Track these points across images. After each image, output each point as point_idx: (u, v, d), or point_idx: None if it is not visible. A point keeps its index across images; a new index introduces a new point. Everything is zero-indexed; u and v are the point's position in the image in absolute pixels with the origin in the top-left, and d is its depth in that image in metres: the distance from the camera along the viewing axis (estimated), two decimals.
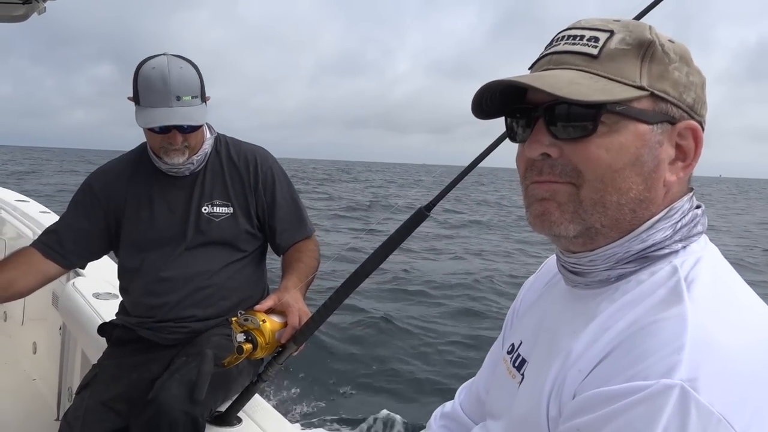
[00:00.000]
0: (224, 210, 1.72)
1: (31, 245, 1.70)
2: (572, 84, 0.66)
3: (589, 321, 0.69)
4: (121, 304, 1.80)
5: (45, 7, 2.34)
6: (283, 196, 1.79)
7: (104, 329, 1.78)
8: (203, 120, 1.66)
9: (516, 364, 0.83)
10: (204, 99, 1.67)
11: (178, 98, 1.58)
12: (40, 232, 1.76)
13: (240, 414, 1.55)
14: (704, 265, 0.67)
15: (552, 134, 0.69)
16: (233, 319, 1.37)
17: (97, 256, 1.80)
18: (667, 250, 0.69)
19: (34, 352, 2.93)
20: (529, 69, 0.77)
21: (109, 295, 2.22)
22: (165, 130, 1.61)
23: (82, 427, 1.53)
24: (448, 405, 1.09)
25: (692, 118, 0.69)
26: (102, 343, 1.79)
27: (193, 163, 1.70)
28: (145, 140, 1.74)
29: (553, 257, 0.92)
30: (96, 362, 1.75)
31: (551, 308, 0.83)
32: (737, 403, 0.54)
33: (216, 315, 1.68)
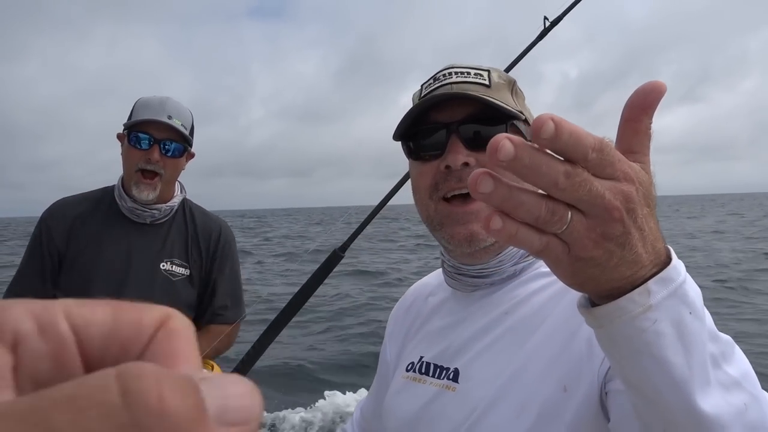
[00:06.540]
0: (182, 271, 1.66)
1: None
2: (495, 101, 0.81)
3: (532, 296, 0.80)
4: None
5: None
6: (230, 276, 1.77)
7: None
8: (185, 150, 1.62)
9: (436, 374, 0.86)
10: (190, 144, 1.65)
11: (170, 117, 1.56)
12: None
13: None
14: None
15: (467, 146, 0.80)
16: None
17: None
18: None
19: None
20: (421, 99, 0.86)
21: None
22: (148, 142, 1.55)
23: None
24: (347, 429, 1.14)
25: None
26: None
27: (159, 211, 1.63)
28: (111, 184, 1.69)
29: (414, 286, 1.04)
30: None
31: (460, 317, 0.88)
32: None
33: None
